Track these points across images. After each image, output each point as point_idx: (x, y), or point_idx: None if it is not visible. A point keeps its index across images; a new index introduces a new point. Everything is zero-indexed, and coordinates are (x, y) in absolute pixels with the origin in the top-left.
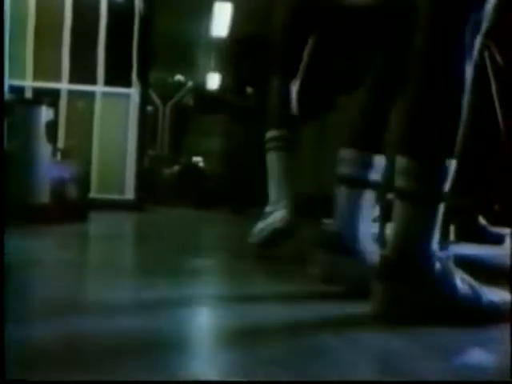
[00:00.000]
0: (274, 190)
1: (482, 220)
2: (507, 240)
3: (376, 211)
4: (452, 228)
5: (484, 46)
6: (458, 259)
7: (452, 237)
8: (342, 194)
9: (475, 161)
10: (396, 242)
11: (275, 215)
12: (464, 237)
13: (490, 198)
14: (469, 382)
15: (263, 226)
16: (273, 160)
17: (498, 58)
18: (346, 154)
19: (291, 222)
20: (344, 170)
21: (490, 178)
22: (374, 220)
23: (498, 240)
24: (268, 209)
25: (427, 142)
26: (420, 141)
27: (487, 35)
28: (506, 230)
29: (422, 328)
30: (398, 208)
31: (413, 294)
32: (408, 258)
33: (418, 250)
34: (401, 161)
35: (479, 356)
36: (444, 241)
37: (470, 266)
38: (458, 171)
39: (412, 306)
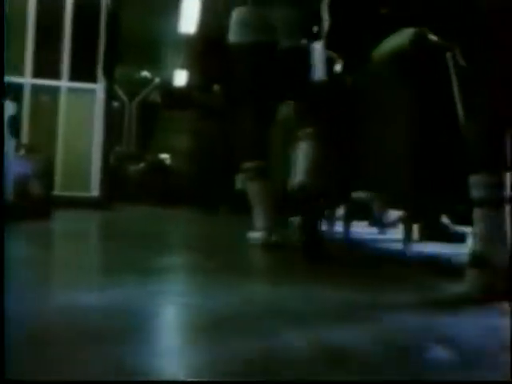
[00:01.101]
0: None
1: (444, 219)
2: (468, 239)
3: (341, 211)
4: (416, 227)
5: (447, 48)
6: (421, 257)
7: (416, 236)
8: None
9: (438, 161)
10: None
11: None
12: (427, 236)
13: (453, 198)
14: (469, 381)
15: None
16: (254, 188)
17: (461, 60)
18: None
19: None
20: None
21: (452, 178)
22: (339, 219)
23: (459, 239)
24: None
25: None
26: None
27: (451, 37)
28: (467, 229)
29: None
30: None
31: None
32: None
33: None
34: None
35: (440, 351)
36: (408, 240)
37: (432, 263)
38: (423, 172)
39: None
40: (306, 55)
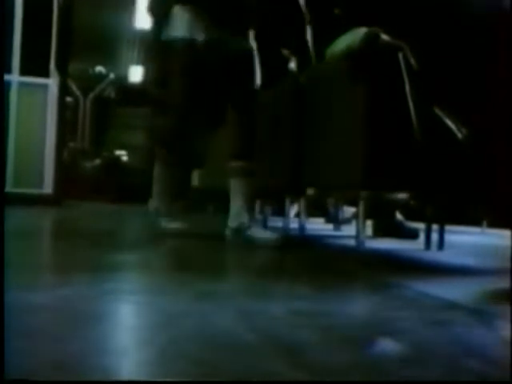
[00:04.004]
0: None
1: (398, 215)
2: (421, 235)
3: (295, 208)
4: (370, 223)
5: (399, 49)
6: (375, 253)
7: (370, 231)
8: None
9: (393, 159)
10: None
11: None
12: (381, 232)
13: (408, 194)
14: (469, 381)
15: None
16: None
17: (412, 60)
18: None
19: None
20: None
21: (406, 175)
22: (295, 215)
23: (412, 235)
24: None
25: None
26: None
27: (402, 37)
28: (420, 225)
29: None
30: None
31: None
32: None
33: None
34: None
35: (388, 346)
36: (361, 236)
37: (386, 259)
38: (378, 169)
39: None
40: (252, 58)
